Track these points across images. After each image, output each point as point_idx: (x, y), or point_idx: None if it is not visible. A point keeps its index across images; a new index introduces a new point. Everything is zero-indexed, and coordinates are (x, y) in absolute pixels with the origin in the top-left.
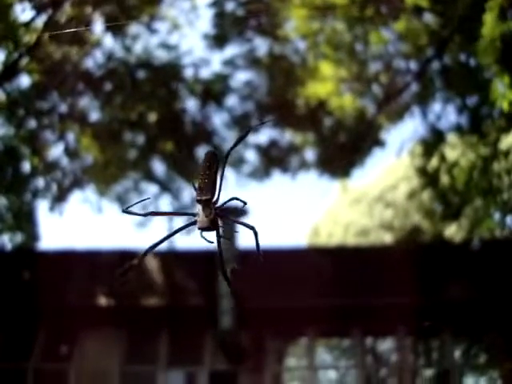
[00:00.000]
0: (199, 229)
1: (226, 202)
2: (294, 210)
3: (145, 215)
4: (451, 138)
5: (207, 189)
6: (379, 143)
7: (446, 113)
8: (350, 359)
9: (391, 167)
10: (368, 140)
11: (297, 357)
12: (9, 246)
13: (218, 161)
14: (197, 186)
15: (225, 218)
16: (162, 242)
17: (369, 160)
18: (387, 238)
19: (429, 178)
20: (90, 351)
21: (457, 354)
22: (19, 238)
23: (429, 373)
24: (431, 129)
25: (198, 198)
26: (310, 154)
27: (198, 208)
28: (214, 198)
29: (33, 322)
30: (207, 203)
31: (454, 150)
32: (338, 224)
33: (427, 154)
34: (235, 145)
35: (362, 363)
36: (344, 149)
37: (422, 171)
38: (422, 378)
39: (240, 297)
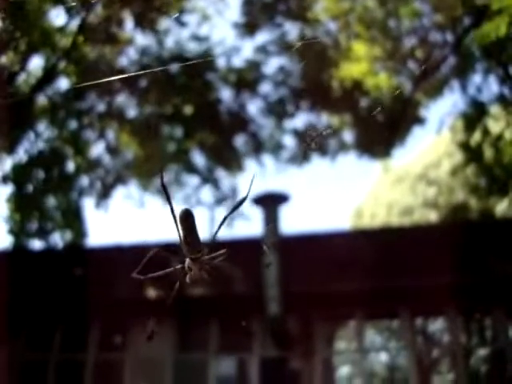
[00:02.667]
0: (192, 281)
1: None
2: (336, 193)
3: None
4: (494, 109)
5: (194, 246)
6: (418, 120)
7: (488, 84)
8: (400, 341)
9: (432, 144)
10: (407, 118)
11: (346, 340)
12: (60, 243)
13: (193, 216)
14: (183, 244)
15: (213, 266)
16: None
17: (409, 138)
18: (432, 217)
19: (472, 153)
20: (143, 341)
21: (511, 332)
22: (69, 235)
23: (483, 352)
24: (472, 102)
25: (190, 256)
26: (348, 136)
27: (189, 263)
28: (202, 252)
29: (87, 316)
30: (197, 259)
31: (498, 122)
32: (381, 204)
33: (469, 129)
34: (231, 212)
35: (413, 344)
36: (382, 128)
37: (465, 146)
38: (476, 358)
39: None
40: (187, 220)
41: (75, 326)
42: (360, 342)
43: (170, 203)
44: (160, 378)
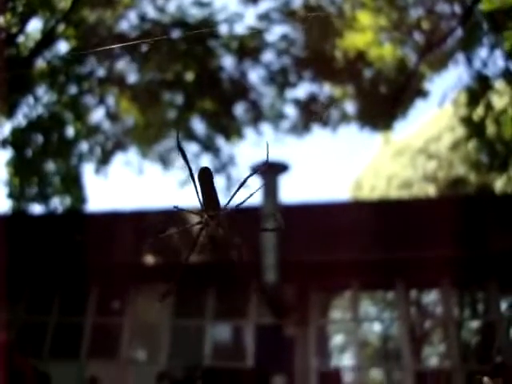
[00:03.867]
0: (212, 237)
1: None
2: (336, 164)
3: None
4: (498, 84)
5: (211, 203)
6: (421, 93)
7: (494, 58)
8: (394, 311)
9: (434, 118)
10: (410, 90)
11: (341, 309)
12: (59, 208)
13: (211, 174)
14: (201, 201)
15: (229, 224)
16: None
17: (411, 111)
18: (431, 191)
19: (474, 128)
20: (141, 306)
21: (503, 305)
22: (68, 201)
23: (474, 325)
24: (477, 76)
25: (208, 213)
26: (350, 107)
27: (207, 219)
28: (219, 210)
29: (86, 280)
30: (215, 216)
31: (502, 97)
32: (381, 177)
33: (472, 103)
34: (235, 193)
35: (407, 315)
36: (385, 100)
37: (467, 121)
38: (467, 330)
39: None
40: (206, 178)
41: (74, 290)
42: (354, 312)
43: (188, 163)
44: (157, 343)
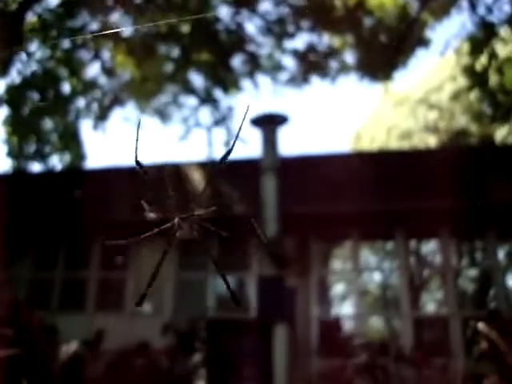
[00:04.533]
0: (181, 238)
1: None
2: (335, 116)
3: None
4: (504, 32)
5: (184, 204)
6: (423, 42)
7: (499, 4)
8: (393, 261)
9: (436, 67)
10: (411, 39)
11: (342, 259)
12: (58, 166)
13: (182, 173)
14: (172, 204)
15: (204, 226)
16: None
17: (412, 60)
18: (431, 141)
19: (477, 78)
20: (144, 260)
21: (500, 254)
22: (67, 158)
23: (472, 273)
24: (481, 23)
25: (180, 215)
26: (349, 58)
27: (179, 221)
28: (192, 211)
29: (88, 236)
30: (186, 218)
31: (507, 45)
32: (381, 128)
33: (476, 52)
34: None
35: (406, 265)
36: (385, 50)
37: (470, 70)
38: (465, 278)
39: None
40: (176, 178)
41: (78, 246)
42: (355, 262)
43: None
44: (161, 296)
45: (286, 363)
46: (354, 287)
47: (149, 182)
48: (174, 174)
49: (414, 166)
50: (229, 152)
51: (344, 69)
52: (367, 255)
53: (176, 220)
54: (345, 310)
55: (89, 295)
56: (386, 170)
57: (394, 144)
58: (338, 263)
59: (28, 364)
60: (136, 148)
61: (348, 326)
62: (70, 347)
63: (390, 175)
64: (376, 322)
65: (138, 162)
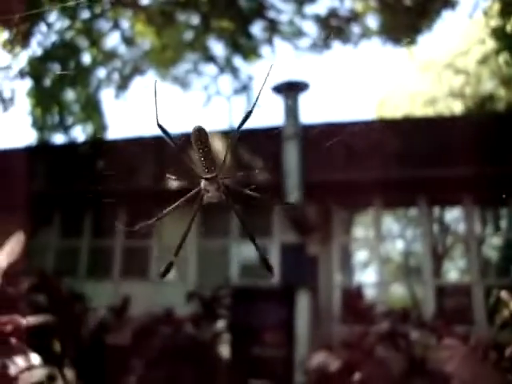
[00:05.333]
0: (210, 202)
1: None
2: (358, 83)
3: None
4: None
5: (208, 165)
6: (450, 4)
7: None
8: (416, 228)
9: (463, 30)
10: (437, 1)
11: (364, 227)
12: (81, 137)
13: (206, 134)
14: (199, 164)
15: (231, 189)
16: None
17: (437, 23)
18: (457, 107)
19: (506, 41)
20: (168, 229)
21: None
22: (89, 128)
23: (496, 241)
24: None
25: (206, 176)
26: (372, 22)
27: (205, 184)
28: (218, 172)
29: (113, 205)
30: (214, 179)
31: None
32: (405, 94)
33: (506, 13)
34: (241, 125)
35: (429, 232)
36: (409, 13)
37: (499, 32)
38: (488, 246)
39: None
40: (200, 138)
41: (102, 216)
42: (377, 229)
43: (170, 138)
44: (184, 263)
45: (308, 330)
46: (377, 255)
47: (174, 146)
48: (198, 137)
49: (439, 133)
50: (248, 116)
51: (367, 33)
52: (390, 222)
53: (202, 183)
54: (367, 277)
55: (115, 263)
56: (410, 137)
57: (419, 111)
58: (360, 231)
59: (59, 330)
60: (156, 112)
61: (370, 293)
62: (97, 313)
63: (413, 142)
64: (398, 290)
65: (159, 126)
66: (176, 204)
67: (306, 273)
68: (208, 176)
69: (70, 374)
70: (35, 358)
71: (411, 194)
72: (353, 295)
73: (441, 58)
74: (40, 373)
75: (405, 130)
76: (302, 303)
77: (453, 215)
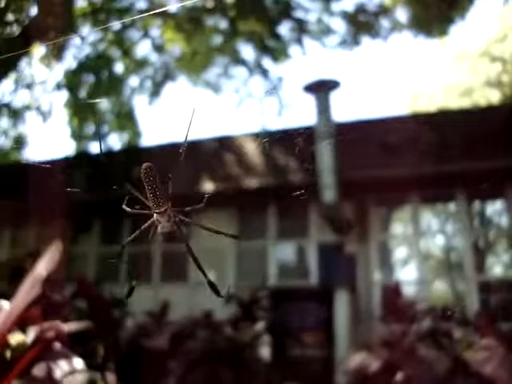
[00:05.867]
0: (162, 233)
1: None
2: (390, 78)
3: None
4: None
5: (158, 201)
6: None
7: None
8: (457, 223)
9: (497, 16)
10: None
11: (402, 223)
12: (117, 145)
13: (153, 170)
14: (149, 201)
15: (182, 219)
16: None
17: (471, 11)
18: (494, 97)
19: None
20: (205, 232)
21: None
22: (125, 136)
23: None
24: None
25: (156, 211)
26: (401, 15)
27: (157, 217)
28: (167, 205)
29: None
30: (164, 212)
31: None
32: (439, 86)
33: None
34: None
35: (470, 227)
36: (440, 2)
37: None
38: None
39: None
40: (149, 176)
41: (140, 221)
42: (416, 226)
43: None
44: (223, 266)
45: (347, 329)
46: (416, 251)
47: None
48: (146, 175)
49: (476, 124)
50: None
51: (397, 27)
52: (429, 218)
53: (154, 216)
54: (407, 274)
55: (154, 267)
56: (446, 130)
57: (454, 102)
58: (398, 227)
59: (99, 335)
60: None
61: (411, 290)
62: (136, 318)
63: (449, 135)
64: (439, 287)
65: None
66: (135, 234)
67: (344, 272)
68: (157, 210)
69: (111, 378)
70: (79, 363)
71: (449, 189)
72: (391, 293)
73: (475, 47)
74: (82, 377)
75: (440, 122)
76: (341, 303)
77: (494, 208)
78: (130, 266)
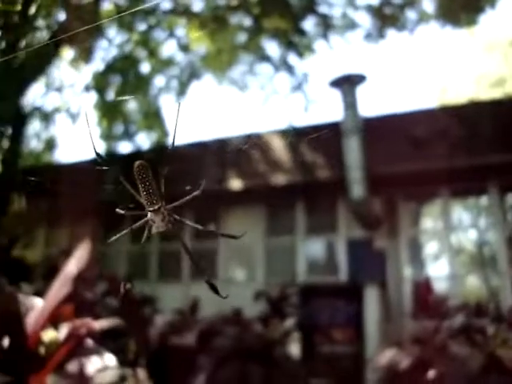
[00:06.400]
0: (158, 232)
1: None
2: (417, 70)
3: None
4: None
5: (151, 199)
6: None
7: None
8: (489, 217)
9: None
10: None
11: (433, 218)
12: (145, 145)
13: (147, 168)
14: (142, 199)
15: (177, 218)
16: None
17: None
18: None
19: None
20: (233, 228)
21: None
22: (153, 136)
23: None
24: None
25: (150, 209)
26: (428, 5)
27: (151, 215)
28: (161, 203)
29: (179, 208)
30: (158, 210)
31: None
32: (469, 78)
33: None
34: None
35: (503, 220)
36: None
37: None
38: None
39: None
40: (141, 173)
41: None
42: (447, 220)
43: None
44: (252, 262)
45: (377, 326)
46: (447, 246)
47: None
48: (139, 173)
49: (508, 115)
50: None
51: (424, 18)
52: (460, 212)
53: (149, 214)
54: (439, 270)
55: (184, 265)
56: (477, 122)
57: (485, 93)
58: (428, 222)
59: (130, 332)
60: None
61: (442, 286)
62: (166, 316)
63: (480, 127)
64: (472, 282)
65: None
66: (125, 231)
67: (373, 268)
68: (151, 209)
69: (142, 374)
70: (110, 359)
71: (481, 182)
72: (424, 289)
73: (506, 36)
74: (113, 373)
75: (470, 114)
76: (371, 299)
77: None
78: (161, 263)
